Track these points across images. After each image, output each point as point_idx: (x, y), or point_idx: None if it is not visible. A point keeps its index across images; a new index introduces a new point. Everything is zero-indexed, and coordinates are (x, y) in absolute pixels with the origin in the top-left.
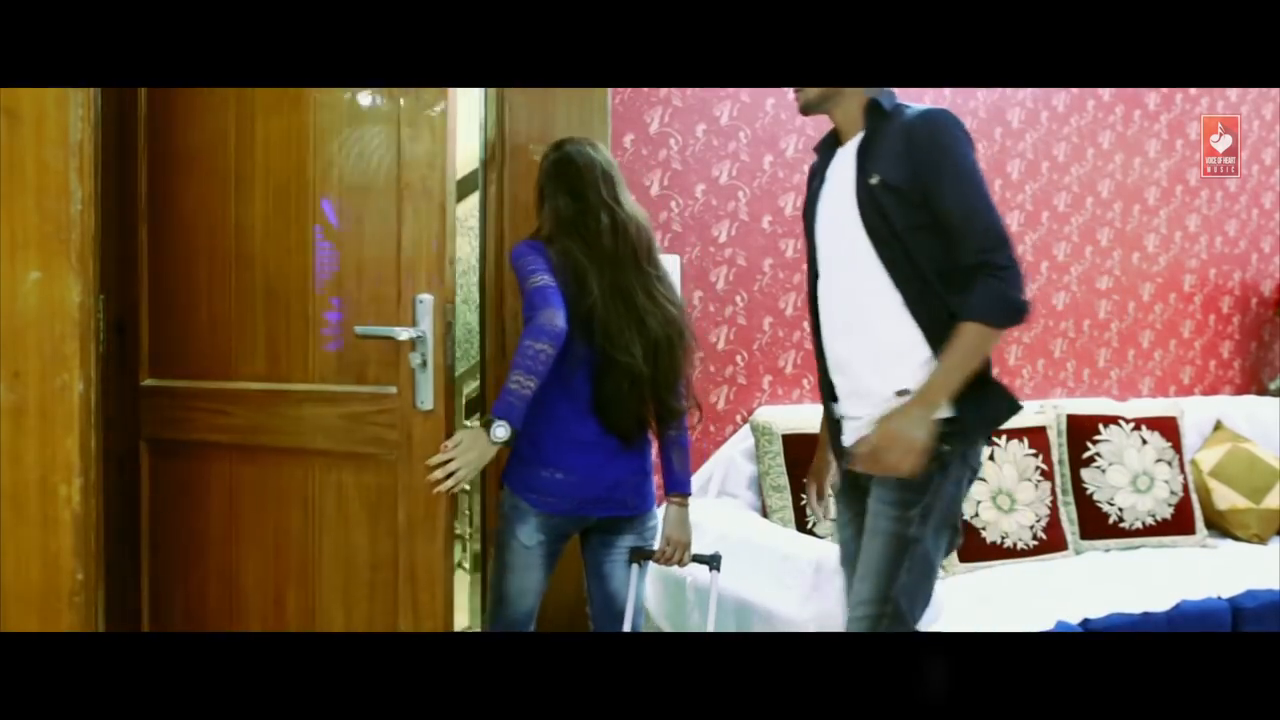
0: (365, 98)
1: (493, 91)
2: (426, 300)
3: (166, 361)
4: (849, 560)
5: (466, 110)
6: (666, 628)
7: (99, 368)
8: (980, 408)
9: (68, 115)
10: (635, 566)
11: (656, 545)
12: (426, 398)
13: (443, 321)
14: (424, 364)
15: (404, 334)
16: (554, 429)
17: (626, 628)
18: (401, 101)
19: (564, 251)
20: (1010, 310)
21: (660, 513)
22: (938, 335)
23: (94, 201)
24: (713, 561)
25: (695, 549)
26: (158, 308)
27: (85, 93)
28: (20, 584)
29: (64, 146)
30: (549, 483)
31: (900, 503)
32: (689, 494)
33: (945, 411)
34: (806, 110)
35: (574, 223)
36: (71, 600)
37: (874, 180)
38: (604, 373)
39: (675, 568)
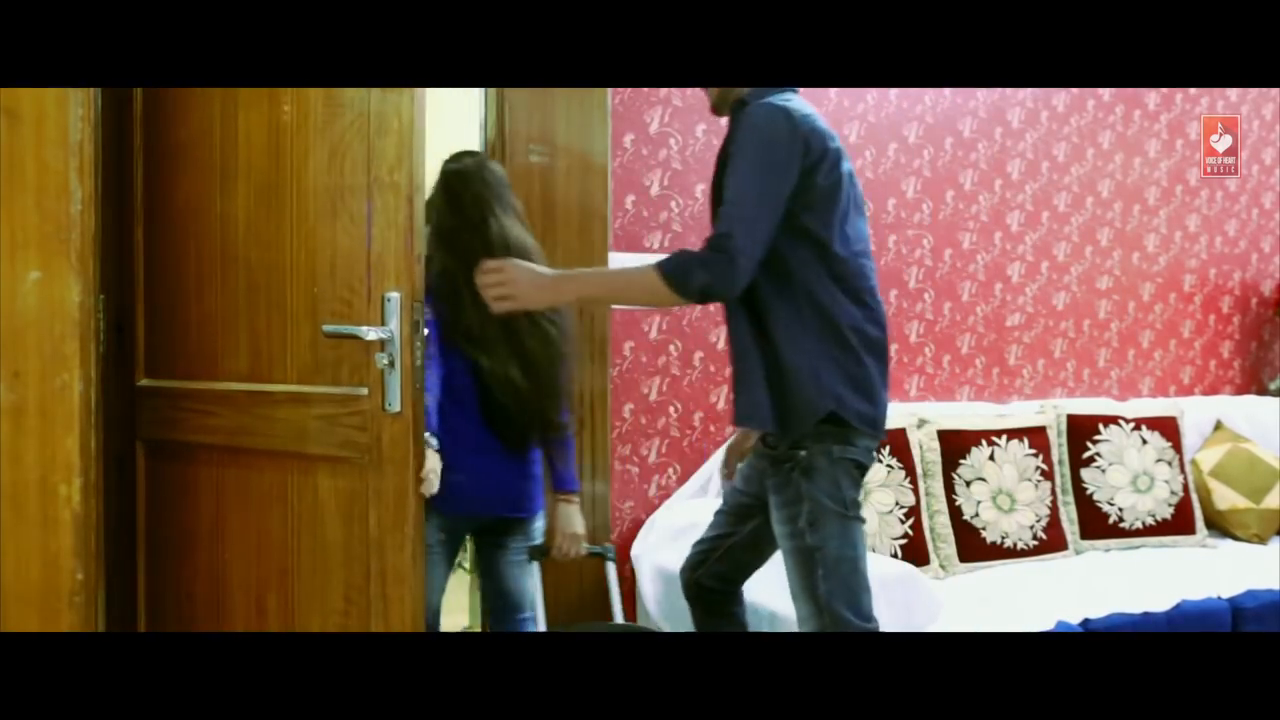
0: (337, 93)
1: (493, 91)
2: (394, 298)
3: (161, 361)
4: (720, 513)
5: (467, 110)
6: (666, 628)
7: (99, 368)
8: (793, 411)
9: (68, 115)
10: (534, 564)
11: (555, 543)
12: (395, 400)
13: (411, 320)
14: (392, 365)
15: (371, 334)
16: (450, 436)
17: (541, 626)
18: (370, 96)
19: (441, 270)
20: (680, 270)
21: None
22: (756, 328)
23: (94, 201)
24: (606, 553)
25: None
26: (153, 307)
27: (85, 93)
28: (20, 584)
29: (64, 146)
30: (449, 485)
31: (785, 519)
32: (575, 490)
33: (770, 424)
34: (716, 111)
35: (450, 240)
36: (71, 600)
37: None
38: (489, 385)
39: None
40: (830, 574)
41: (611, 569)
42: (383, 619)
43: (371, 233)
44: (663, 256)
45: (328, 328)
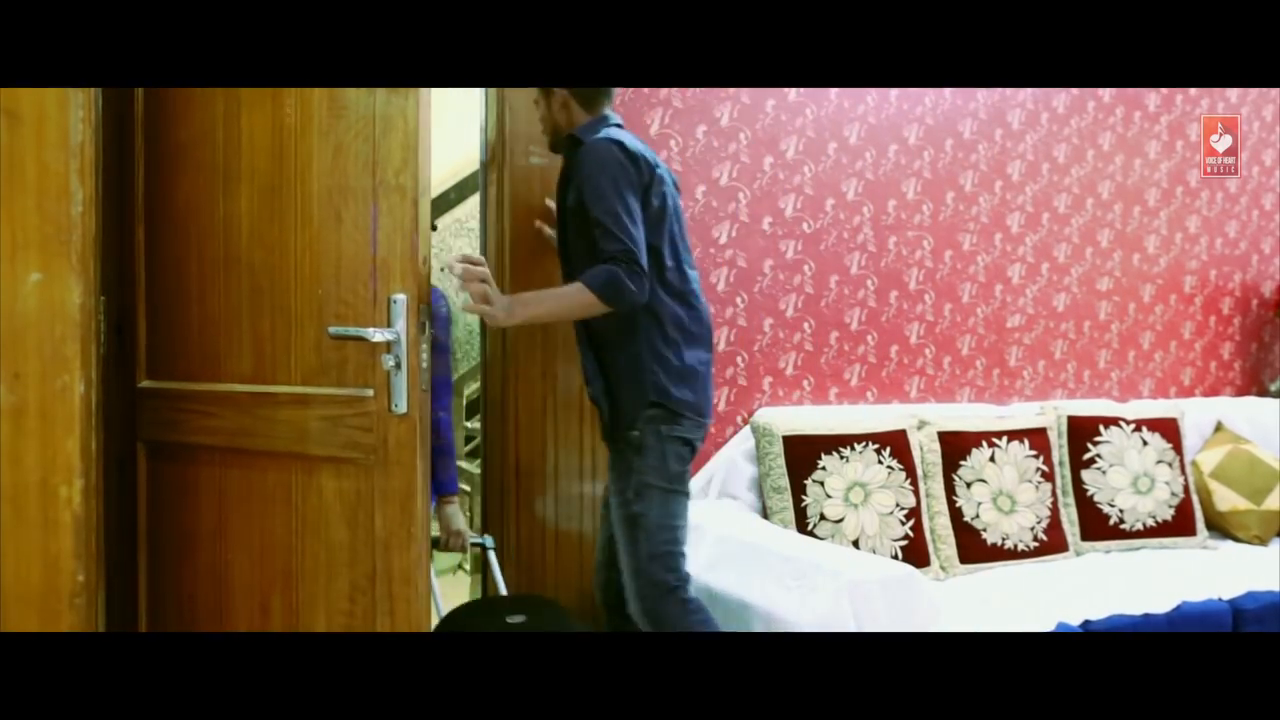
0: (343, 93)
1: (493, 92)
2: (401, 300)
3: (162, 363)
4: (603, 519)
5: (467, 111)
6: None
7: (99, 369)
8: (625, 397)
9: (68, 117)
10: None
11: (443, 539)
12: (401, 401)
13: (417, 322)
14: (398, 366)
15: (377, 335)
16: None
17: (438, 613)
18: (375, 98)
19: None
20: (611, 286)
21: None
22: (598, 329)
23: (94, 203)
24: (485, 543)
25: (695, 550)
26: (154, 308)
27: (85, 93)
28: (20, 585)
29: (65, 148)
30: None
31: (617, 490)
32: (453, 492)
33: (607, 409)
34: (553, 148)
35: None
36: (72, 602)
37: (569, 202)
38: None
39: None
40: (650, 538)
41: (492, 556)
42: (389, 618)
43: (377, 235)
44: (585, 276)
45: (334, 329)
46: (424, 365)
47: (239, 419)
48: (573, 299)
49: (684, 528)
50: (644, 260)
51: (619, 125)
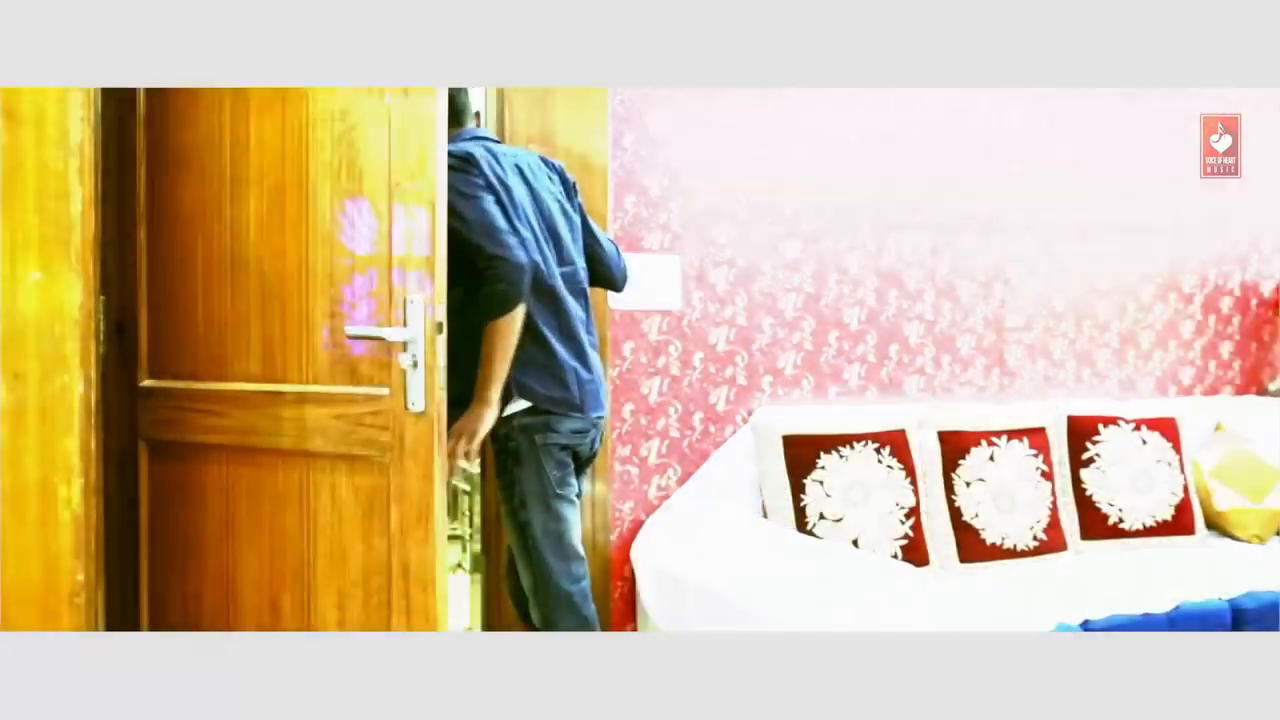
0: (355, 97)
1: (493, 91)
2: (417, 300)
3: (164, 362)
4: None
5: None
6: (665, 628)
7: (99, 368)
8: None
9: (68, 116)
10: None
11: None
12: (418, 399)
13: (433, 322)
14: (415, 365)
15: (394, 335)
16: None
17: None
18: (390, 100)
19: None
20: (496, 301)
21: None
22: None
23: (94, 203)
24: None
25: (694, 548)
26: (156, 308)
27: (85, 93)
28: (20, 584)
29: (64, 148)
30: None
31: (504, 498)
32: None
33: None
34: None
35: None
36: (72, 601)
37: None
38: None
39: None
40: (539, 544)
41: None
42: (404, 617)
43: (393, 237)
44: (483, 309)
45: (350, 329)
46: (441, 364)
47: (247, 418)
48: (496, 337)
49: (570, 531)
50: (511, 252)
51: (477, 138)
